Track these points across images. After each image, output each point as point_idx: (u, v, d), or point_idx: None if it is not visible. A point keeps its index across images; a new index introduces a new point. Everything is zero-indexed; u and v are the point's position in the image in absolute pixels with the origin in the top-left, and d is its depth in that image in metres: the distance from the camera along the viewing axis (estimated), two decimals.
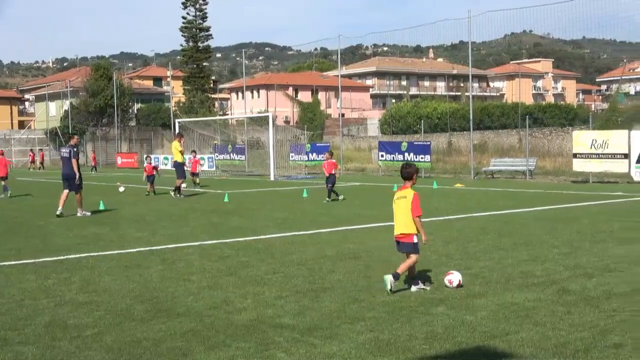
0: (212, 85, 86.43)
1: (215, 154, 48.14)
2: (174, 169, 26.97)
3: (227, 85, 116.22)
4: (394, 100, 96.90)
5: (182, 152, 26.47)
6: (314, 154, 42.90)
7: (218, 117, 63.04)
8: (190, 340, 6.98)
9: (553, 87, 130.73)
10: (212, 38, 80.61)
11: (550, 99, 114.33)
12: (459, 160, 44.41)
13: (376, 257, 11.60)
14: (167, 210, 21.00)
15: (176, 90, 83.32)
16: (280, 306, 8.29)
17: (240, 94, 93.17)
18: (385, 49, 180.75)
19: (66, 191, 19.50)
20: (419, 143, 38.98)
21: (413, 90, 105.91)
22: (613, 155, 29.55)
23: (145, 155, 36.28)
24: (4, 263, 11.67)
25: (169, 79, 78.84)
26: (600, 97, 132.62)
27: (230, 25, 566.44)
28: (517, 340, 6.74)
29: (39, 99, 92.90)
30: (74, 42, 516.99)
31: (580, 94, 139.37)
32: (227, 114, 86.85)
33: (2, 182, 27.30)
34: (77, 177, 19.45)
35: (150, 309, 8.28)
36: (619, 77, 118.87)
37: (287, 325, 7.43)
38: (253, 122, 56.87)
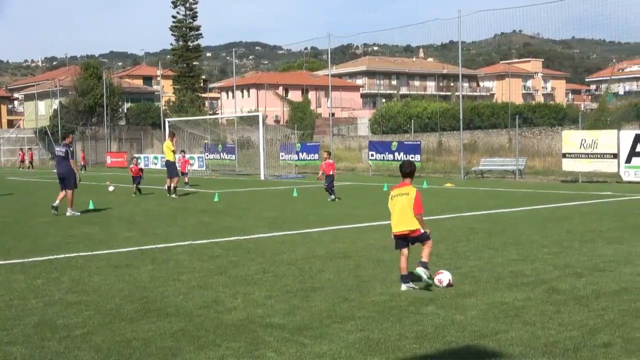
0: (202, 84, 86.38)
1: (206, 154, 48.07)
2: (165, 168, 26.94)
3: (217, 84, 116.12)
4: (384, 100, 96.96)
5: (174, 152, 26.45)
6: (304, 154, 42.93)
7: (208, 117, 62.92)
8: (180, 340, 6.96)
9: (543, 87, 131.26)
10: (202, 37, 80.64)
11: (539, 98, 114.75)
12: (449, 159, 44.49)
13: (366, 256, 11.61)
14: (156, 209, 20.96)
15: (166, 90, 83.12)
16: (270, 306, 8.28)
17: (230, 94, 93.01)
18: (376, 48, 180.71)
19: (63, 192, 19.49)
20: (409, 143, 39.04)
21: (403, 90, 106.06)
22: (602, 155, 29.66)
23: (131, 157, 36.16)
24: None
25: (159, 78, 78.71)
26: (590, 97, 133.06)
27: (221, 24, 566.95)
28: (506, 340, 6.75)
29: (28, 98, 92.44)
30: (64, 41, 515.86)
31: (570, 94, 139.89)
32: (217, 114, 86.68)
33: None
34: (75, 177, 19.52)
35: (139, 308, 8.26)
36: (608, 77, 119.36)
37: (277, 325, 7.42)
38: (243, 121, 56.82)
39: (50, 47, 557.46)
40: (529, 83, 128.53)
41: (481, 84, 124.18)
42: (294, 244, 13.20)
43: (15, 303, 8.67)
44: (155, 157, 56.38)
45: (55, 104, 75.44)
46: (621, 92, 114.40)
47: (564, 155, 31.36)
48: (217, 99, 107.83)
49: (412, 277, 9.15)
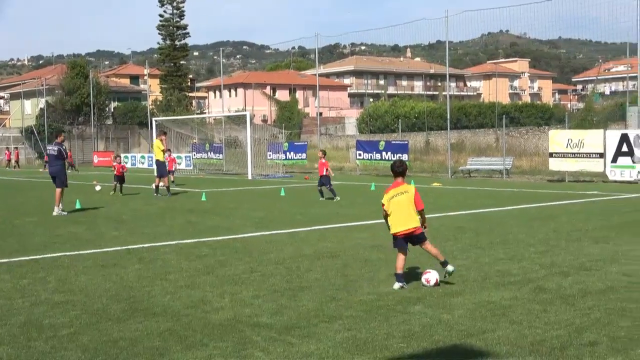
0: (189, 83, 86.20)
1: (193, 153, 47.97)
2: (154, 167, 26.86)
3: (204, 83, 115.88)
4: (371, 100, 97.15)
5: (164, 151, 26.40)
6: (292, 153, 42.90)
7: (195, 116, 62.82)
8: (167, 339, 6.94)
9: (529, 87, 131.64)
10: (190, 36, 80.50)
11: (526, 98, 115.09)
12: (437, 159, 44.58)
13: (354, 255, 11.61)
14: (144, 209, 20.89)
15: (153, 89, 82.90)
16: (257, 305, 8.27)
17: (217, 93, 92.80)
18: (363, 48, 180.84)
19: (59, 189, 19.44)
20: (397, 142, 39.07)
21: (391, 90, 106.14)
22: (588, 155, 29.81)
23: (114, 155, 36.03)
24: None
25: (146, 77, 78.42)
26: (576, 96, 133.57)
27: (208, 23, 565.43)
28: (493, 339, 6.77)
29: (14, 96, 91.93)
30: (50, 40, 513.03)
31: (557, 94, 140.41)
32: (205, 113, 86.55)
33: None
34: (66, 175, 19.68)
35: (126, 308, 8.23)
36: (594, 77, 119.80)
37: (264, 324, 7.42)
38: (231, 120, 56.73)
39: (36, 45, 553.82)
40: (516, 83, 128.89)
41: (468, 83, 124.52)
42: (281, 243, 13.19)
43: (1, 303, 8.62)
44: (143, 157, 56.23)
45: (42, 102, 75.09)
46: (607, 92, 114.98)
47: (551, 155, 31.50)
48: (204, 98, 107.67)
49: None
